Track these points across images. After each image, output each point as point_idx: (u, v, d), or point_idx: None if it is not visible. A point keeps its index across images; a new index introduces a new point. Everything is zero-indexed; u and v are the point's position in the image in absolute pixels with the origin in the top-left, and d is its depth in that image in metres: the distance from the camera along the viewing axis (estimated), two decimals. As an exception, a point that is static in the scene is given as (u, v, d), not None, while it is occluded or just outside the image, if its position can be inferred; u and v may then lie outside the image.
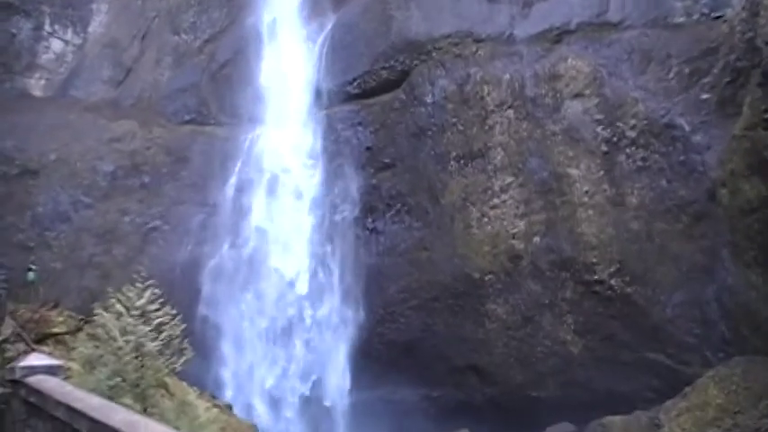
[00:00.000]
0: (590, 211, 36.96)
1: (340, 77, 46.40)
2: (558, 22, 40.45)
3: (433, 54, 42.92)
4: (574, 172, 37.68)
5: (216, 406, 24.24)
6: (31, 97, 50.19)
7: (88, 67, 51.59)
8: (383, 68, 44.79)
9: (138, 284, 16.18)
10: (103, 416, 6.90)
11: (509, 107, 40.09)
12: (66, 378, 10.69)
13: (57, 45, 52.02)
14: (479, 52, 41.74)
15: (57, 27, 52.16)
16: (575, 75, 38.66)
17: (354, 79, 45.88)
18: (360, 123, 45.13)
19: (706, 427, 25.21)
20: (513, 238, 38.81)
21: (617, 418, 29.61)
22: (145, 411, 11.98)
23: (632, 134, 36.37)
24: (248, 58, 49.35)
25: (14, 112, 47.90)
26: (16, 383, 9.95)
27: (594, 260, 36.47)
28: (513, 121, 39.85)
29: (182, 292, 40.73)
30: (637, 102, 36.61)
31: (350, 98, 46.03)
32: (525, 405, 37.91)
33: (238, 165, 47.14)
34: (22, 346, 18.75)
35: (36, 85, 50.92)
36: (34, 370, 9.80)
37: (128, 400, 13.45)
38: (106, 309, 16.09)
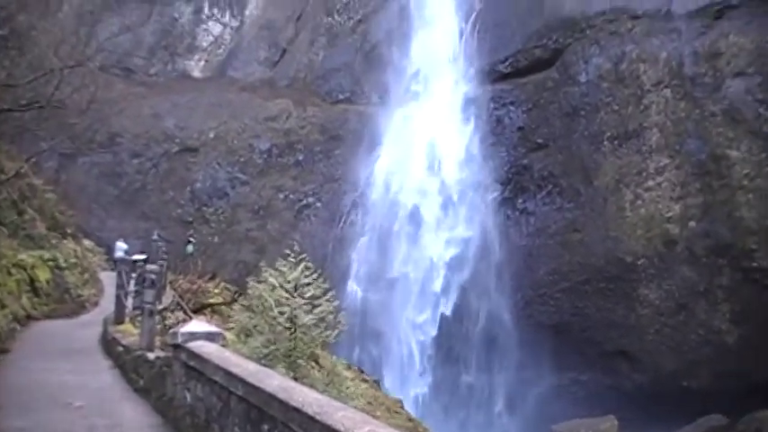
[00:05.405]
0: (750, 195, 35.60)
1: (491, 56, 46.19)
2: (719, -3, 38.96)
3: (587, 32, 42.15)
4: (734, 154, 36.34)
5: (364, 380, 24.62)
6: (191, 78, 52.42)
7: (245, 48, 53.33)
8: (536, 47, 44.36)
9: (291, 259, 16.55)
10: (259, 381, 7.14)
11: (666, 86, 38.98)
12: (223, 345, 11.09)
13: (215, 28, 54.06)
14: (635, 29, 40.68)
15: (215, 10, 54.19)
16: (736, 52, 37.18)
17: (506, 58, 45.59)
18: (512, 103, 44.81)
19: None
20: (668, 221, 37.81)
21: (774, 412, 28.49)
22: (295, 380, 12.30)
23: (798, 115, 34.80)
24: (399, 37, 49.78)
25: (175, 93, 50.16)
26: (177, 348, 10.40)
27: (754, 246, 35.11)
28: (670, 101, 38.75)
29: (333, 268, 41.66)
30: (804, 80, 34.97)
31: (502, 77, 45.77)
32: (676, 394, 36.93)
33: (390, 144, 47.64)
34: (181, 315, 19.52)
35: (196, 67, 53.14)
36: (195, 336, 10.21)
37: (280, 369, 13.85)
38: (260, 282, 16.55)
